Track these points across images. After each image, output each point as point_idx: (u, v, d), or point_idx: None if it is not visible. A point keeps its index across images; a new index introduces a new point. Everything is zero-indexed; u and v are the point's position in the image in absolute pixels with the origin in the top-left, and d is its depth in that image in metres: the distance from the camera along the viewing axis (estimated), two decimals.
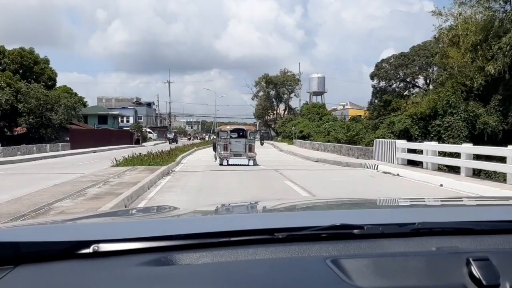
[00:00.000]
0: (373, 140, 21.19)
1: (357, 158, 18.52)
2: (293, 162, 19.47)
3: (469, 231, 1.01)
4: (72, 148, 31.29)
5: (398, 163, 13.96)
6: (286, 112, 64.13)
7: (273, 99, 63.21)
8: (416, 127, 21.02)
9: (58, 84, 47.61)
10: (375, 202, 1.93)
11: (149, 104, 76.83)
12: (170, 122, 71.39)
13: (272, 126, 64.62)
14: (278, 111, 65.04)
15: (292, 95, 63.98)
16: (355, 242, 0.94)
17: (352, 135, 26.37)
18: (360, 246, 0.93)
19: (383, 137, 20.71)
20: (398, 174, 12.00)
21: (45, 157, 22.63)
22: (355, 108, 70.35)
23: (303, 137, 39.00)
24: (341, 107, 77.54)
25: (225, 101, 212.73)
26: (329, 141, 29.65)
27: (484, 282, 0.77)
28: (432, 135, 20.71)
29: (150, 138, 62.23)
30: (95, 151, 30.68)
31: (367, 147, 18.69)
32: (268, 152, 29.56)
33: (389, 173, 12.56)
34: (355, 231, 0.95)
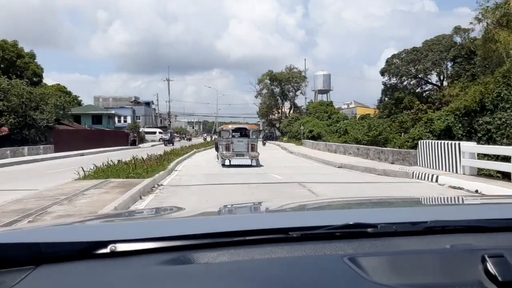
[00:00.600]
0: (408, 141, 17.65)
1: (392, 163, 14.98)
2: (313, 168, 15.94)
3: (483, 228, 0.99)
4: (56, 151, 27.86)
5: (464, 173, 10.39)
6: (291, 111, 60.50)
7: (278, 97, 59.59)
8: (460, 125, 17.44)
9: (52, 82, 44.14)
10: (388, 201, 1.81)
11: (147, 104, 73.41)
12: (170, 122, 67.95)
13: (277, 125, 61.00)
14: (283, 109, 61.41)
15: (298, 92, 60.46)
16: (370, 241, 0.93)
17: (374, 135, 22.77)
18: (375, 245, 0.93)
19: (420, 138, 17.17)
20: (477, 191, 8.45)
21: (17, 163, 19.17)
22: (359, 106, 66.84)
23: (313, 137, 35.45)
24: (346, 106, 74.11)
25: (227, 101, 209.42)
26: (345, 142, 26.10)
27: (500, 279, 0.77)
28: (479, 135, 17.14)
29: (161, 139, 59.09)
30: (82, 154, 27.22)
31: (408, 150, 15.09)
32: (276, 154, 26.03)
33: (460, 188, 9.00)
34: (369, 229, 0.95)
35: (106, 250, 0.88)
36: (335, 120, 47.45)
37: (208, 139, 58.15)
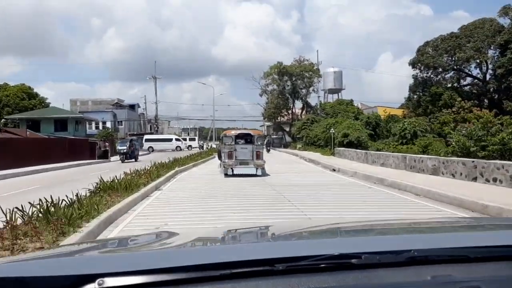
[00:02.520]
0: None
1: None
2: None
3: (463, 258, 1.02)
4: None
5: None
6: (304, 112, 49.96)
7: (288, 94, 49.04)
8: None
9: (48, 92, 33.77)
10: (372, 226, 1.84)
11: (132, 106, 62.81)
12: (157, 127, 57.37)
13: (287, 129, 50.47)
14: (294, 110, 50.84)
15: (310, 89, 50.00)
16: (353, 273, 0.95)
17: (505, 139, 12.26)
18: (358, 277, 0.93)
19: None
20: None
21: None
22: (363, 108, 56.63)
23: (351, 144, 25.01)
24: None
25: (224, 103, 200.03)
26: (424, 152, 15.55)
27: None
28: None
29: (190, 146, 49.12)
30: None
31: None
32: (308, 174, 15.55)
33: None
34: (353, 260, 0.96)
35: (94, 284, 0.86)
36: (365, 122, 37.26)
37: (204, 146, 47.60)
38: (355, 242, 1.30)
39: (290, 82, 47.65)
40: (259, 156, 14.40)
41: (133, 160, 26.57)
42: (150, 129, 76.45)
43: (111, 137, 37.22)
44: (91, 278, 0.86)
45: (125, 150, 26.65)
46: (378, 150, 19.67)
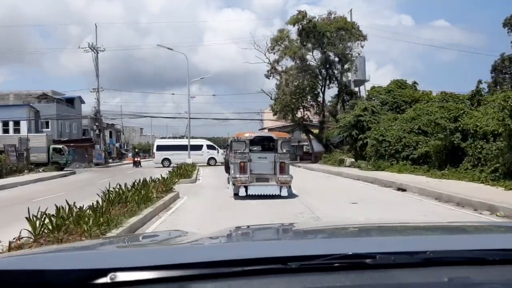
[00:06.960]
0: None
1: None
2: None
3: (481, 260, 0.98)
4: None
5: None
6: (340, 101, 30.06)
7: (317, 71, 29.14)
8: None
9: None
10: (387, 227, 1.77)
11: (69, 100, 42.00)
12: (100, 129, 36.75)
13: (314, 131, 30.53)
14: (324, 101, 30.67)
15: (347, 65, 30.30)
16: (368, 273, 0.92)
17: None
18: (373, 277, 0.91)
19: None
20: None
21: None
22: None
23: None
24: None
25: (209, 94, 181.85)
26: None
27: None
28: None
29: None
30: None
31: None
32: None
33: None
34: (368, 260, 0.94)
35: (106, 279, 0.86)
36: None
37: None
38: (369, 242, 1.26)
39: (320, 48, 27.78)
40: (283, 169, 10.54)
41: None
42: (112, 137, 56.16)
43: None
44: (104, 272, 0.86)
45: None
46: None
